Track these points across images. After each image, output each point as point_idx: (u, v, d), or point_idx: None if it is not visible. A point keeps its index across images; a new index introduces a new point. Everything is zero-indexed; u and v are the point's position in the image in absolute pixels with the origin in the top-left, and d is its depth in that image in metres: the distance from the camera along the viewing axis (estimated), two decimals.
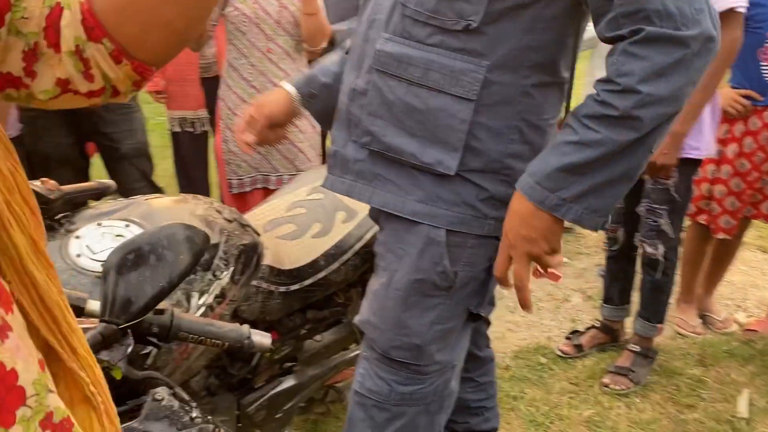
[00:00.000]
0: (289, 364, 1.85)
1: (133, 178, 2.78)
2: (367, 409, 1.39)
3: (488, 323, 1.80)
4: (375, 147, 1.26)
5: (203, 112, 3.43)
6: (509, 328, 2.91)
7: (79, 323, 0.97)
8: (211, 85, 3.12)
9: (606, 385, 2.45)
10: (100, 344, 0.93)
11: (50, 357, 0.67)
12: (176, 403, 1.22)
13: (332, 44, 3.05)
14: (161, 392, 1.19)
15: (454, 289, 1.30)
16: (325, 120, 1.51)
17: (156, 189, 2.89)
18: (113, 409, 0.76)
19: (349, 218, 1.76)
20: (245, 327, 1.20)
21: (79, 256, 1.25)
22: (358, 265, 1.73)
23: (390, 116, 1.24)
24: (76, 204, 1.41)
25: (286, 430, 1.86)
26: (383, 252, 1.35)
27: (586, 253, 3.65)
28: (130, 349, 0.98)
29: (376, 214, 1.39)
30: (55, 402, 0.59)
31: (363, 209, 1.79)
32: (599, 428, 2.23)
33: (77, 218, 1.37)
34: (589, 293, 3.20)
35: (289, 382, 1.78)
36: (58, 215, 1.35)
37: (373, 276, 1.40)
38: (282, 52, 2.51)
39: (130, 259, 0.95)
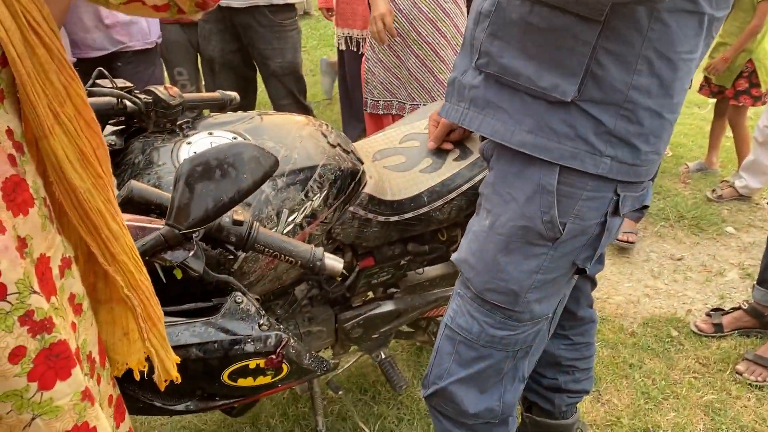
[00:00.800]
0: (391, 291, 1.90)
1: (280, 94, 2.89)
2: (456, 344, 1.40)
3: (594, 284, 1.70)
4: (491, 69, 1.21)
5: (368, 32, 3.45)
6: (646, 293, 2.71)
7: (152, 223, 1.08)
8: None
9: (739, 373, 2.22)
10: (162, 245, 1.02)
11: (93, 256, 0.76)
12: (252, 308, 1.32)
13: None
14: (241, 296, 1.29)
15: (560, 240, 1.25)
16: None
17: (304, 108, 2.98)
18: (156, 312, 0.85)
19: (461, 157, 1.72)
20: (319, 250, 1.25)
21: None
22: (463, 206, 1.70)
23: (510, 37, 1.18)
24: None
25: (382, 350, 1.93)
26: (489, 194, 1.32)
27: (759, 226, 3.25)
28: (192, 253, 1.06)
29: (488, 152, 1.35)
30: (38, 303, 0.66)
31: (477, 150, 1.73)
32: (718, 416, 2.05)
33: (196, 125, 1.47)
34: (750, 270, 2.87)
35: (387, 307, 1.83)
36: (180, 121, 1.47)
37: (475, 216, 1.38)
38: None
39: (198, 171, 1.02)
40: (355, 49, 3.49)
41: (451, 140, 1.72)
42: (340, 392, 1.96)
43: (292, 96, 2.91)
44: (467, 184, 1.68)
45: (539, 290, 1.31)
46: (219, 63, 2.83)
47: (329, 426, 1.99)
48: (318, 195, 1.44)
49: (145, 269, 0.84)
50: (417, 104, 2.62)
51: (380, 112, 2.67)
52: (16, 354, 0.64)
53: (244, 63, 2.94)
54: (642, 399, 2.13)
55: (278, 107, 2.93)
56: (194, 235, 1.07)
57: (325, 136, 1.53)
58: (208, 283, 1.26)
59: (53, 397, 0.68)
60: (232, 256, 1.32)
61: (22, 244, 0.67)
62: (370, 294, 1.91)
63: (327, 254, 1.27)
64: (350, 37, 3.49)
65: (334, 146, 1.52)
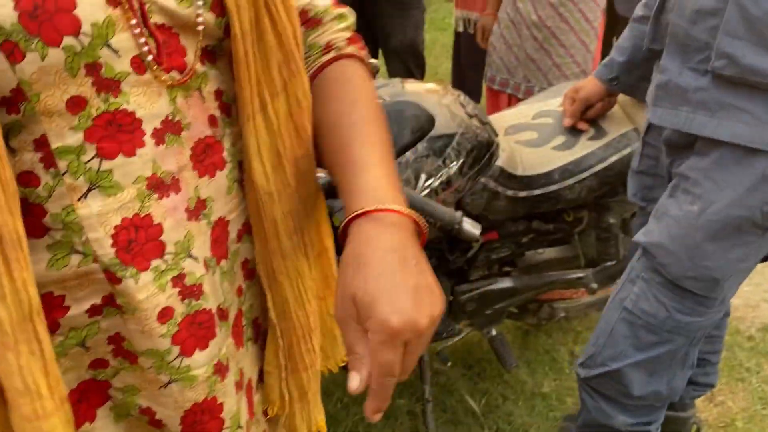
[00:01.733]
0: (507, 268, 1.91)
1: (399, 72, 2.88)
2: (635, 328, 1.40)
3: None
4: (731, 71, 1.16)
5: None
6: (766, 299, 2.58)
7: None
8: None
9: None
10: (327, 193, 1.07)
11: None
12: None
13: None
14: None
15: None
16: (636, 90, 1.63)
17: None
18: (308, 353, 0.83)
19: (596, 137, 1.69)
20: (459, 213, 1.27)
21: None
22: (594, 187, 1.67)
23: (751, 35, 1.13)
24: None
25: (493, 327, 1.94)
26: (699, 178, 1.27)
27: None
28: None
29: (682, 139, 1.31)
30: (191, 267, 0.65)
31: (614, 130, 1.70)
32: None
33: None
34: None
35: (503, 284, 1.83)
36: None
37: (671, 199, 1.34)
38: None
39: None
40: (472, 32, 3.47)
41: (588, 118, 1.70)
42: (449, 364, 1.98)
43: (410, 74, 2.92)
44: (601, 164, 1.66)
45: (736, 277, 1.33)
46: None
47: (435, 396, 2.02)
48: (455, 162, 1.46)
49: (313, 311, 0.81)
50: (532, 86, 2.59)
51: (495, 87, 2.67)
52: (164, 314, 0.63)
53: (366, 38, 2.96)
54: (759, 404, 2.04)
55: None
56: None
57: (463, 106, 1.55)
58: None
59: (191, 365, 0.66)
60: None
61: (201, 205, 0.66)
62: (486, 269, 1.92)
63: (465, 218, 1.29)
64: (469, 20, 3.47)
65: (471, 116, 1.54)
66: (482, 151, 1.51)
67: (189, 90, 0.63)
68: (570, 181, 1.65)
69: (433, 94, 1.54)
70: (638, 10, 1.54)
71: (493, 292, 1.82)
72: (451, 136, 1.46)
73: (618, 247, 1.93)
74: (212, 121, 0.67)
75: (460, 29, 3.54)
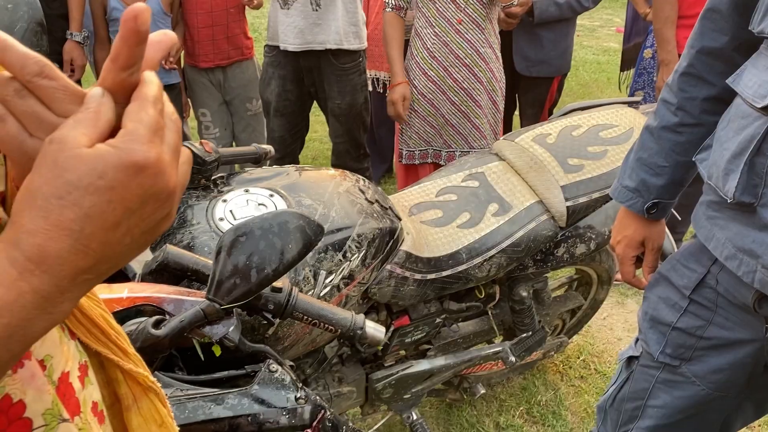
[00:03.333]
0: (423, 347, 1.83)
1: (337, 133, 2.88)
2: None
3: None
4: None
5: None
6: None
7: (191, 294, 1.02)
8: (408, 47, 3.11)
9: None
10: (202, 320, 0.96)
11: (105, 360, 0.68)
12: (288, 377, 1.25)
13: (531, 13, 2.88)
14: (275, 365, 1.23)
15: None
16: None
17: (358, 146, 2.92)
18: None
19: (501, 212, 1.66)
20: (360, 317, 1.19)
21: (221, 219, 1.31)
22: (503, 263, 1.63)
23: None
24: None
25: (412, 410, 1.85)
26: None
27: None
28: (231, 328, 1.01)
29: None
30: (67, 430, 0.57)
31: (518, 203, 1.68)
32: None
33: (231, 181, 1.43)
34: None
35: (420, 366, 1.75)
36: (214, 176, 1.42)
37: None
38: (470, 22, 2.41)
39: (242, 241, 0.96)
40: (381, 91, 3.48)
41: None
42: None
43: (349, 134, 2.88)
44: (507, 240, 1.62)
45: None
46: (274, 107, 2.83)
47: None
48: (356, 255, 1.38)
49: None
50: (453, 151, 2.57)
51: (416, 161, 2.63)
52: None
53: (300, 111, 2.90)
54: None
55: (335, 144, 2.93)
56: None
57: (363, 193, 1.48)
58: (240, 350, 1.20)
59: None
60: (267, 322, 1.26)
61: (41, 367, 0.57)
62: (402, 352, 1.84)
63: (368, 322, 1.20)
64: (377, 79, 3.48)
65: (372, 203, 1.47)
66: (385, 238, 1.44)
67: None
68: (478, 260, 1.60)
69: (330, 181, 1.47)
70: (666, 115, 1.23)
71: (410, 375, 1.74)
72: (350, 228, 1.38)
73: (533, 318, 1.89)
74: None
75: (370, 89, 3.54)
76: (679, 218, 2.19)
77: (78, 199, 0.40)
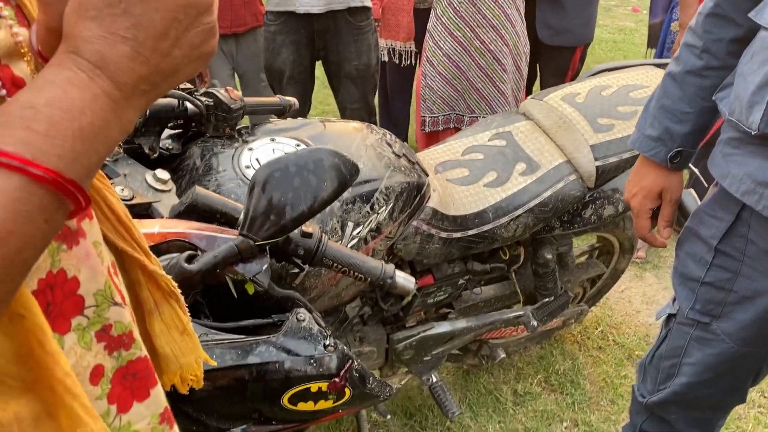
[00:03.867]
0: (444, 311, 1.81)
1: (352, 98, 2.80)
2: None
3: None
4: None
5: (410, 45, 3.39)
6: None
7: (223, 232, 1.00)
8: (424, 16, 3.05)
9: None
10: (235, 256, 0.94)
11: (127, 262, 0.66)
12: (315, 327, 1.23)
13: None
14: (304, 313, 1.21)
15: None
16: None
17: (371, 111, 2.88)
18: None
19: (529, 171, 1.62)
20: (390, 267, 1.16)
21: (247, 167, 1.28)
22: (529, 223, 1.60)
23: None
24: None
25: (432, 373, 1.83)
26: None
27: None
28: (265, 267, 0.98)
29: None
30: (117, 315, 0.58)
31: (546, 163, 1.64)
32: None
33: (256, 131, 1.40)
34: None
35: (440, 328, 1.73)
36: (239, 126, 1.40)
37: None
38: None
39: (276, 177, 0.94)
40: (397, 61, 3.43)
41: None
42: (388, 416, 1.86)
43: (363, 99, 2.82)
44: (535, 200, 1.59)
45: None
46: (288, 76, 2.76)
47: None
48: (384, 208, 1.35)
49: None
50: (476, 116, 2.53)
51: (440, 128, 2.59)
52: (96, 374, 0.57)
53: (309, 75, 2.85)
54: None
55: (347, 111, 2.85)
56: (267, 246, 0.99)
57: (390, 146, 1.45)
58: (267, 298, 1.18)
59: (131, 421, 0.62)
60: (295, 270, 1.23)
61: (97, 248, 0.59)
62: (423, 314, 1.82)
63: (398, 272, 1.18)
64: (393, 49, 3.42)
65: (399, 156, 1.44)
66: (412, 193, 1.41)
67: None
68: (504, 220, 1.57)
69: (356, 134, 1.44)
70: (690, 59, 1.19)
71: (431, 337, 1.72)
72: (378, 180, 1.35)
73: (556, 282, 1.87)
74: None
75: (385, 58, 3.49)
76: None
77: (128, 7, 0.42)
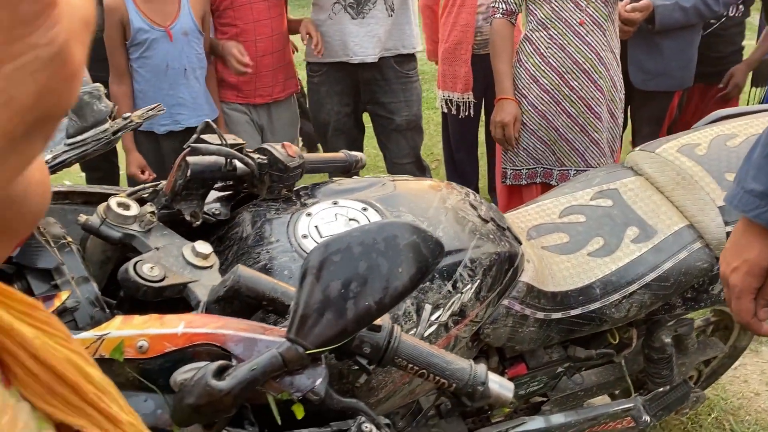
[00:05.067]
0: (537, 400, 1.53)
1: (402, 152, 2.66)
2: None
3: None
4: None
5: (468, 96, 3.19)
6: None
7: (267, 332, 0.77)
8: (482, 63, 2.86)
9: None
10: (280, 369, 0.70)
11: None
12: None
13: (650, 19, 2.56)
14: (368, 424, 0.96)
15: None
16: None
17: (421, 166, 2.73)
18: None
19: (643, 238, 1.34)
20: (481, 368, 0.91)
21: (305, 237, 1.06)
22: (646, 302, 1.31)
23: None
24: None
25: None
26: None
27: None
28: (319, 381, 0.74)
29: None
30: None
31: (664, 228, 1.36)
32: None
33: (316, 192, 1.19)
34: None
35: (534, 424, 1.44)
36: (297, 186, 1.19)
37: None
38: (592, 23, 2.12)
39: (335, 261, 0.71)
40: (455, 113, 3.24)
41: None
42: None
43: (413, 153, 2.67)
44: (652, 273, 1.30)
45: None
46: (333, 127, 2.64)
47: None
48: (469, 286, 1.10)
49: None
50: (567, 170, 2.26)
51: (523, 182, 2.33)
52: None
53: (356, 125, 2.73)
54: None
55: (395, 166, 2.68)
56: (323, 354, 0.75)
57: (475, 209, 1.21)
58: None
59: None
60: (358, 367, 0.99)
61: None
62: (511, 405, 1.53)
63: (492, 375, 0.92)
64: (450, 100, 3.24)
65: (486, 221, 1.19)
66: (503, 266, 1.16)
67: None
68: (615, 297, 1.29)
69: (434, 194, 1.20)
70: None
71: None
72: (462, 251, 1.11)
73: (672, 369, 1.55)
74: None
75: (445, 110, 3.32)
76: None
77: None
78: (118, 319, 0.75)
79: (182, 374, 0.70)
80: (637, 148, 1.57)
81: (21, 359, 0.36)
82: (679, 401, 1.58)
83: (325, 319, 0.70)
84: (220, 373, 0.68)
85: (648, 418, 1.54)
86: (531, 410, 1.52)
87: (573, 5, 2.10)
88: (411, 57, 2.59)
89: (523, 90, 2.24)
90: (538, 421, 1.44)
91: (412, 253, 0.72)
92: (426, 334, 1.05)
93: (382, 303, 0.71)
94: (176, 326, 0.73)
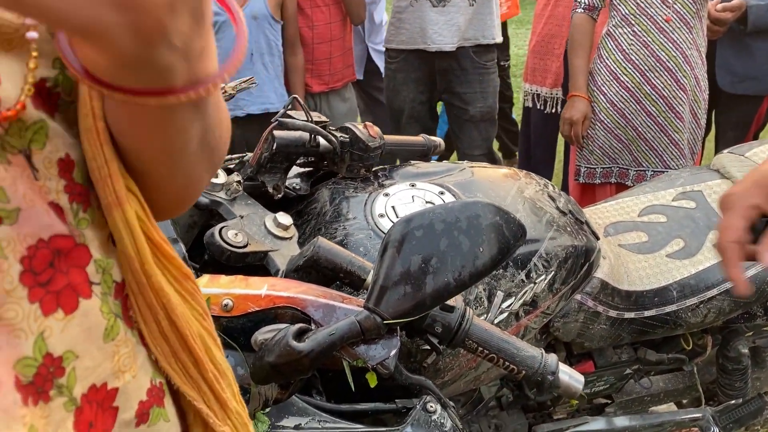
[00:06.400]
0: (600, 401, 1.50)
1: (474, 143, 2.65)
2: None
3: None
4: None
5: (558, 92, 3.12)
6: None
7: (345, 301, 0.78)
8: None
9: None
10: (357, 336, 0.72)
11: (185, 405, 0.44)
12: (448, 423, 0.99)
13: (742, 19, 2.45)
14: (434, 404, 0.97)
15: None
16: None
17: (493, 159, 2.71)
18: None
19: None
20: (552, 358, 0.90)
21: (381, 216, 1.08)
22: (725, 309, 1.27)
23: None
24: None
25: None
26: None
27: None
28: (393, 352, 0.76)
29: None
30: None
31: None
32: None
33: (394, 174, 1.20)
34: None
35: (597, 425, 1.41)
36: (376, 167, 1.21)
37: None
38: (679, 20, 2.05)
39: (417, 236, 0.72)
40: (542, 108, 3.18)
41: None
42: None
43: (486, 145, 2.65)
44: None
45: None
46: (408, 114, 2.66)
47: None
48: (543, 277, 1.09)
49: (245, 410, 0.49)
50: (644, 170, 2.20)
51: (597, 181, 2.28)
52: None
53: (429, 113, 2.74)
54: None
55: (466, 157, 2.68)
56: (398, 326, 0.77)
57: (553, 200, 1.19)
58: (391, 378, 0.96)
59: None
60: (427, 346, 1.00)
61: (56, 367, 0.35)
62: (574, 402, 1.51)
63: (562, 366, 0.91)
64: (537, 95, 3.17)
65: (564, 213, 1.18)
66: (579, 260, 1.15)
67: (7, 149, 0.34)
68: (692, 301, 1.25)
69: (512, 183, 1.19)
70: None
71: None
72: (537, 241, 1.10)
73: (747, 381, 1.49)
74: (57, 211, 0.37)
75: (529, 104, 3.25)
76: None
77: None
78: (206, 277, 0.78)
79: (263, 334, 0.73)
80: (725, 151, 1.51)
81: (159, 318, 0.38)
82: (751, 416, 1.52)
83: (403, 291, 0.71)
84: (300, 336, 0.70)
85: (717, 431, 1.49)
86: (593, 411, 1.49)
87: (660, 1, 2.03)
88: (490, 48, 2.57)
89: (602, 87, 2.18)
90: (600, 422, 1.42)
91: (494, 234, 0.72)
92: (496, 321, 1.05)
93: (461, 280, 0.72)
94: (260, 288, 0.76)
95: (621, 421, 1.43)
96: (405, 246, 0.72)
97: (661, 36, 2.05)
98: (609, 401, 1.48)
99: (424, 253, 0.71)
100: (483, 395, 1.35)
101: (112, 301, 0.38)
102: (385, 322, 0.72)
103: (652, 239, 1.32)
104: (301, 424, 0.87)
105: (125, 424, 0.38)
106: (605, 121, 2.20)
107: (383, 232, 1.07)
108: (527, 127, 3.39)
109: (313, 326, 0.74)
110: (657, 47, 2.06)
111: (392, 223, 1.07)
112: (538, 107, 3.18)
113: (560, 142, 3.49)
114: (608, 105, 2.18)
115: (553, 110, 3.12)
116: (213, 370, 0.41)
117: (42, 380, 0.33)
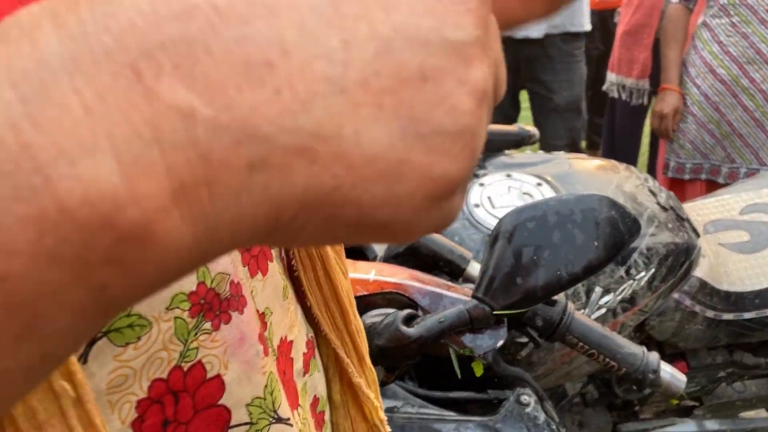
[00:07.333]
0: (688, 403, 1.45)
1: (558, 133, 2.59)
2: None
3: None
4: None
5: (645, 83, 3.01)
6: None
7: (451, 290, 0.79)
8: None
9: None
10: (465, 325, 0.72)
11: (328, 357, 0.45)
12: (542, 416, 0.98)
13: None
14: (528, 396, 0.96)
15: None
16: None
17: (577, 150, 2.65)
18: None
19: None
20: (654, 357, 0.88)
21: (477, 206, 1.07)
22: None
23: None
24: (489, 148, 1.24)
25: None
26: None
27: None
28: (500, 343, 0.75)
29: None
30: None
31: None
32: None
33: (488, 163, 1.19)
34: None
35: (684, 427, 1.38)
36: None
37: None
38: None
39: (529, 228, 0.71)
40: (627, 99, 3.07)
41: None
42: None
43: (570, 136, 2.60)
44: None
45: None
46: None
47: None
48: (643, 273, 1.06)
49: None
50: (737, 167, 2.11)
51: (686, 176, 2.20)
52: None
53: (512, 102, 2.70)
54: None
55: (550, 147, 2.63)
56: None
57: (654, 195, 1.16)
58: (486, 369, 0.95)
59: None
60: (522, 339, 1.00)
61: (262, 323, 0.38)
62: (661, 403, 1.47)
63: (663, 364, 0.89)
64: (623, 86, 3.07)
65: (665, 209, 1.14)
66: (679, 258, 1.11)
67: None
68: None
69: (612, 176, 1.17)
70: None
71: None
72: (638, 237, 1.07)
73: None
74: None
75: (615, 95, 3.15)
76: None
77: None
78: None
79: (371, 318, 0.74)
80: None
81: (316, 268, 0.40)
82: None
83: (514, 283, 0.71)
84: (408, 321, 0.71)
85: None
86: (680, 413, 1.45)
87: None
88: (578, 36, 2.51)
89: (696, 79, 2.10)
90: (689, 425, 1.38)
91: (609, 228, 0.71)
92: (593, 317, 1.03)
93: (574, 274, 0.71)
94: (368, 272, 0.77)
95: (711, 424, 1.38)
96: (516, 237, 0.71)
97: (762, 27, 1.95)
98: (697, 404, 1.44)
99: (536, 245, 0.70)
100: (567, 391, 1.33)
101: (279, 262, 0.40)
102: (494, 312, 0.71)
103: (755, 239, 1.26)
104: (396, 407, 0.88)
105: (298, 373, 0.41)
106: (698, 115, 2.11)
107: (478, 222, 1.07)
108: (611, 119, 3.30)
109: (420, 312, 0.74)
110: (758, 39, 1.96)
111: (489, 214, 1.07)
112: (624, 98, 3.08)
113: (645, 135, 3.38)
114: (702, 98, 2.09)
115: (640, 102, 3.02)
116: (355, 323, 0.43)
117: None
